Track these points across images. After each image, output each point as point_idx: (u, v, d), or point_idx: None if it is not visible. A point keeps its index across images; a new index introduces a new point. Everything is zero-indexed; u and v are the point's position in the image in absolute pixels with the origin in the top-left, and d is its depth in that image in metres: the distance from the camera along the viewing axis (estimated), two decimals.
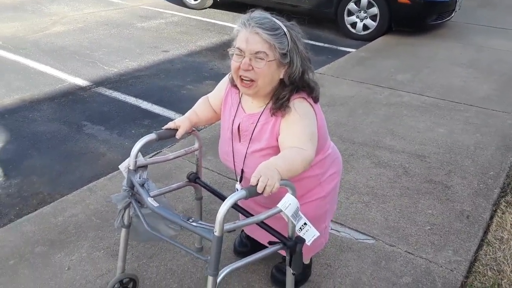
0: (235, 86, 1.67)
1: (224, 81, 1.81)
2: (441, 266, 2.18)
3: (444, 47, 5.86)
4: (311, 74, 1.62)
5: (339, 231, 2.39)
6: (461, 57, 5.48)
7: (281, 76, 1.56)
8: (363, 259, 2.22)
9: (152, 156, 3.07)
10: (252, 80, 1.53)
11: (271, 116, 1.59)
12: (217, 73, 4.90)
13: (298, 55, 1.54)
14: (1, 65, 4.83)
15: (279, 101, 1.56)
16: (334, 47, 6.05)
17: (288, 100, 1.56)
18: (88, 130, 3.57)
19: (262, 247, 1.94)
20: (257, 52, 1.49)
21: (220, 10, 7.67)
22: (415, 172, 2.98)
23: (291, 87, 1.56)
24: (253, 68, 1.51)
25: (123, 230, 1.78)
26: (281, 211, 1.43)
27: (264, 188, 1.34)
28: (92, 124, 3.66)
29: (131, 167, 1.66)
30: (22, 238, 2.28)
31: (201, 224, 1.43)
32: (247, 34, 1.49)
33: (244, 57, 1.50)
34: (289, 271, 1.61)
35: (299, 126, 1.55)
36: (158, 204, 1.53)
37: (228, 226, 1.38)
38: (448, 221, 2.51)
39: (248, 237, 2.16)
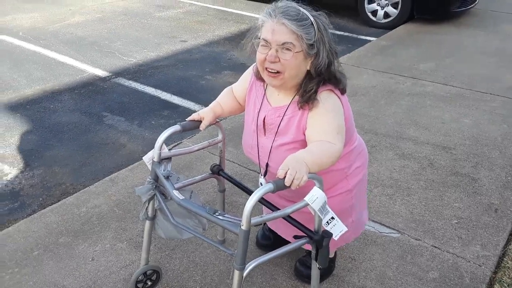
0: (260, 78, 1.63)
1: (249, 72, 1.76)
2: (469, 261, 2.13)
3: (468, 35, 5.71)
4: (337, 64, 1.57)
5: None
6: (486, 46, 5.32)
7: (308, 68, 1.51)
8: (388, 253, 2.17)
9: (173, 147, 3.06)
10: (278, 72, 1.48)
11: (298, 109, 1.55)
12: (235, 63, 4.86)
13: (324, 46, 1.49)
14: (21, 56, 4.88)
15: (306, 94, 1.52)
16: (354, 35, 5.94)
17: (316, 92, 1.51)
18: (108, 120, 3.57)
19: (285, 240, 1.92)
20: (284, 43, 1.44)
21: None
22: (440, 164, 2.91)
23: (318, 79, 1.51)
24: (279, 60, 1.46)
25: (147, 222, 1.77)
26: (308, 204, 1.40)
27: (292, 181, 1.30)
28: (112, 115, 3.66)
29: (156, 159, 1.65)
30: (46, 229, 2.29)
31: (227, 217, 1.41)
32: (273, 24, 1.45)
33: (271, 48, 1.46)
34: (315, 265, 1.58)
35: (327, 119, 1.51)
36: (183, 197, 1.51)
37: (255, 220, 1.35)
38: (475, 214, 2.45)
39: (271, 230, 2.14)
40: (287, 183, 1.31)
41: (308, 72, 1.53)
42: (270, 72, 1.49)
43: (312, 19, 1.46)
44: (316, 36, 1.47)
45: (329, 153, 1.44)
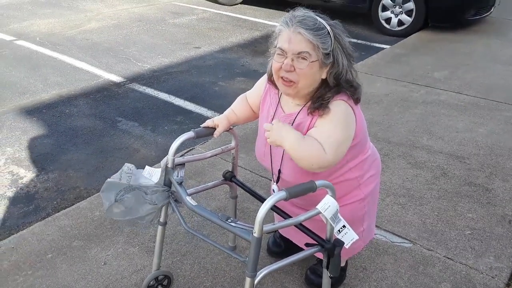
0: (274, 85, 1.64)
1: (263, 80, 1.77)
2: (482, 273, 2.10)
3: (483, 44, 5.66)
4: (354, 73, 1.58)
5: (375, 233, 2.33)
6: (501, 54, 5.27)
7: (323, 77, 1.52)
8: (400, 263, 2.16)
9: (185, 153, 3.08)
10: (292, 81, 1.49)
11: (307, 114, 1.55)
12: (248, 70, 4.88)
13: (343, 55, 1.50)
14: (38, 61, 4.96)
15: (319, 101, 1.52)
16: (368, 43, 5.93)
17: (329, 101, 1.52)
18: (122, 126, 3.61)
19: (296, 247, 1.92)
20: (299, 52, 1.45)
21: (251, 6, 7.64)
22: (454, 174, 2.88)
23: (336, 89, 1.52)
24: (294, 69, 1.47)
25: (160, 228, 1.78)
26: (320, 213, 1.40)
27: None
28: (127, 120, 3.70)
29: (169, 165, 1.66)
30: (60, 232, 2.32)
31: (239, 224, 1.42)
32: (289, 34, 1.46)
33: (286, 57, 1.47)
34: (326, 274, 1.57)
35: (332, 128, 1.49)
36: (196, 203, 1.52)
37: (267, 227, 1.35)
38: (489, 225, 2.42)
39: (282, 237, 2.14)
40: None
41: (324, 81, 1.53)
42: (284, 81, 1.50)
43: (329, 28, 1.47)
44: (332, 46, 1.47)
45: (314, 153, 1.44)
